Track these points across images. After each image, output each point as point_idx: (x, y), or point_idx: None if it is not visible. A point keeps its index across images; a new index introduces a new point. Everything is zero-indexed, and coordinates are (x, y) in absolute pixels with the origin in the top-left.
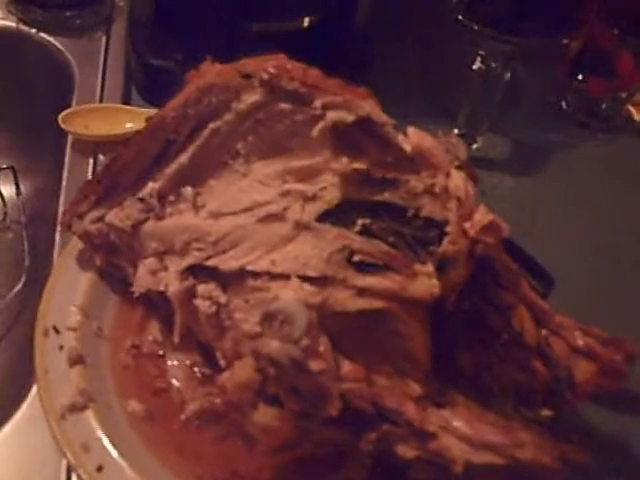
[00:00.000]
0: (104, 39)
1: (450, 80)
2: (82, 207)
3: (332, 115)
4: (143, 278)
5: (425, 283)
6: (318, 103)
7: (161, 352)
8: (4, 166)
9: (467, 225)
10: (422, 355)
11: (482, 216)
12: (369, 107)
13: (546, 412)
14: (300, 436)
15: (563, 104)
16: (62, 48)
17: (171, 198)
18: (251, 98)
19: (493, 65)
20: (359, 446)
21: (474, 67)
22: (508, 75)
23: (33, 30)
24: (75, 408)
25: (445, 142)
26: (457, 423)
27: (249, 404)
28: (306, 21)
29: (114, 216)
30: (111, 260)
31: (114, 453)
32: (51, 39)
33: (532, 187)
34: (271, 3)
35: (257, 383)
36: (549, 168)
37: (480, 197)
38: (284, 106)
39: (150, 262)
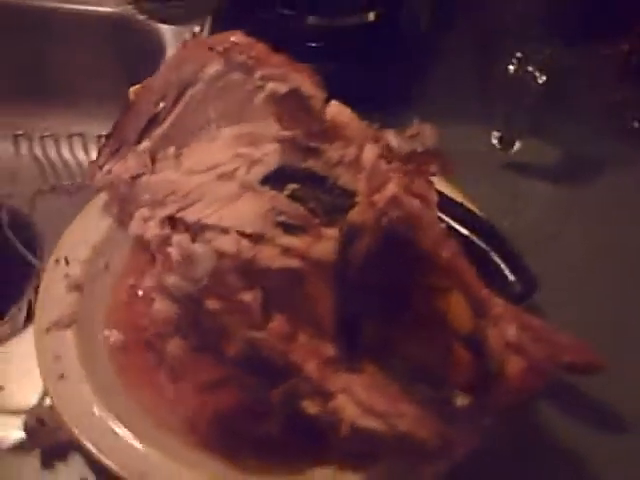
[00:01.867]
0: (207, 27)
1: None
2: (101, 160)
3: (270, 86)
4: (135, 224)
5: (327, 246)
6: (258, 74)
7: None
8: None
9: (376, 197)
10: (327, 318)
11: (389, 190)
12: (300, 80)
13: (461, 399)
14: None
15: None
16: (165, 34)
17: (159, 156)
18: (212, 68)
19: (530, 69)
20: (270, 397)
21: (510, 69)
22: (544, 79)
23: (141, 17)
24: (59, 325)
25: (414, 128)
26: (357, 388)
27: (167, 336)
28: (370, 16)
29: (118, 168)
30: (123, 209)
31: (78, 366)
32: (157, 26)
33: (566, 195)
34: None
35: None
36: (589, 177)
37: (511, 201)
38: (237, 76)
39: (142, 211)
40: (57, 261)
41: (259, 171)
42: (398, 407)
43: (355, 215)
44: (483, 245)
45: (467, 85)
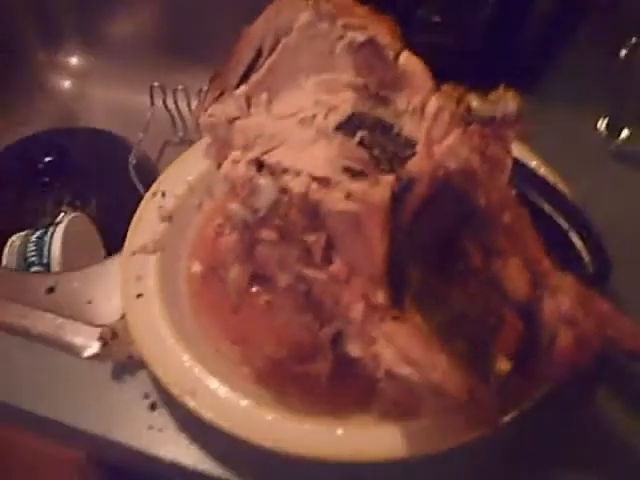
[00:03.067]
0: None
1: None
2: (205, 103)
3: (350, 34)
4: (226, 166)
5: (383, 191)
6: (340, 23)
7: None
8: (180, 87)
9: (435, 148)
10: (379, 265)
11: (448, 141)
12: (377, 30)
13: (503, 363)
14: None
15: None
16: None
17: (254, 101)
18: (304, 17)
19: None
20: (320, 336)
21: (621, 54)
22: None
23: None
24: (145, 249)
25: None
26: (399, 336)
27: (229, 264)
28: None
29: (218, 111)
30: (221, 151)
31: (155, 288)
32: None
33: None
34: None
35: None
36: None
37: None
38: (324, 25)
39: (234, 154)
40: (154, 194)
41: (334, 118)
42: (432, 357)
43: (413, 164)
44: (564, 224)
45: (577, 69)
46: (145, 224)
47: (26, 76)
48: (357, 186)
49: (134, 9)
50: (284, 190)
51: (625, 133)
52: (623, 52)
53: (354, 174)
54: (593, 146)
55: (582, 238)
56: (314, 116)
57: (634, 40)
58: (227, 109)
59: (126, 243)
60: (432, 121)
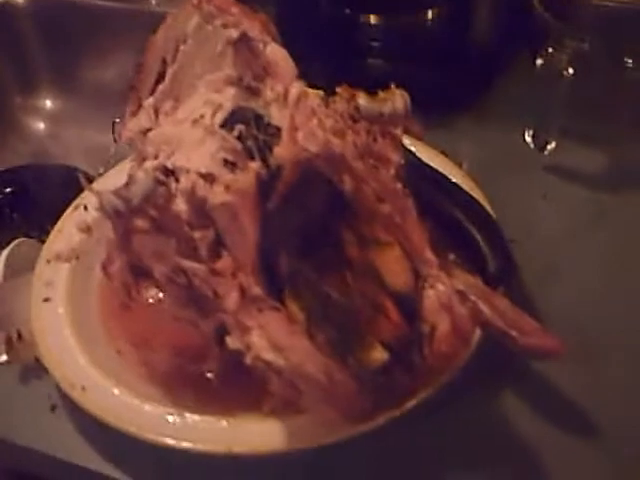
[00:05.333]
0: None
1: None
2: (125, 118)
3: (226, 32)
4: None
5: (248, 177)
6: (218, 22)
7: None
8: None
9: (298, 134)
10: (250, 250)
11: (308, 126)
12: (248, 25)
13: (378, 353)
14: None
15: None
16: None
17: (161, 110)
18: (193, 22)
19: (559, 64)
20: (204, 331)
21: (537, 63)
22: (570, 72)
23: None
24: (59, 257)
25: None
26: (271, 325)
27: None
28: (429, 14)
29: (132, 124)
30: (140, 163)
31: (62, 291)
32: None
33: (598, 200)
34: None
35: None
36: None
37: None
38: (209, 27)
39: (147, 164)
40: (77, 207)
41: (220, 115)
42: (295, 341)
43: (278, 150)
44: (470, 226)
45: (509, 83)
46: (64, 235)
47: (3, 118)
48: (231, 177)
49: (101, 56)
50: (160, 182)
51: (551, 146)
52: (539, 62)
53: (232, 166)
54: (520, 158)
55: (485, 239)
56: (202, 116)
57: (550, 50)
58: (140, 122)
59: (42, 252)
60: (294, 108)
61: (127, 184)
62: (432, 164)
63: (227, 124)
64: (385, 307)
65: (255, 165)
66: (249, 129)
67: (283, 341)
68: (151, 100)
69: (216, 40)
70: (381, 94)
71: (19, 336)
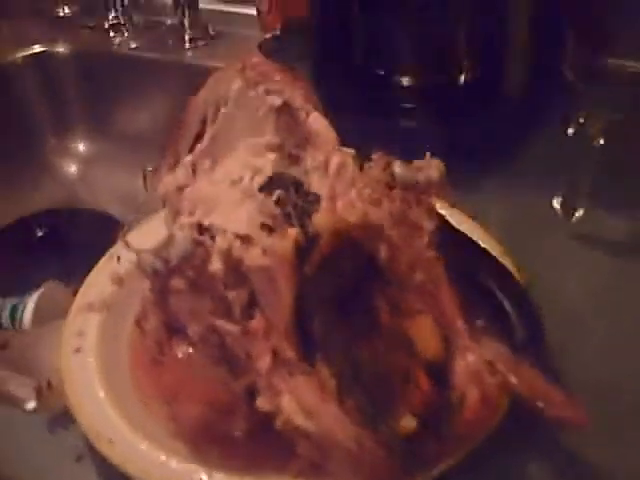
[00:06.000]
0: None
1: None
2: (162, 172)
3: (269, 99)
4: (175, 232)
5: (286, 243)
6: (261, 89)
7: None
8: None
9: (338, 203)
10: (285, 314)
11: (349, 195)
12: (291, 93)
13: (407, 422)
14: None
15: None
16: None
17: (199, 168)
18: (235, 86)
19: (590, 131)
20: (233, 387)
21: (569, 132)
22: (601, 142)
23: None
24: (91, 307)
25: (422, 161)
26: (302, 388)
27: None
28: (461, 78)
29: (168, 180)
30: (174, 218)
31: (93, 342)
32: None
33: (616, 272)
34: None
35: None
36: None
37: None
38: (252, 93)
39: (182, 220)
40: (110, 258)
41: (259, 179)
42: (325, 407)
43: (317, 218)
44: (499, 294)
45: (539, 149)
46: (96, 285)
47: (37, 160)
48: (269, 241)
49: (135, 104)
50: (199, 243)
51: (579, 213)
52: (570, 130)
53: (270, 230)
54: (548, 223)
55: (514, 306)
56: (241, 178)
57: (581, 120)
58: (177, 178)
59: (75, 301)
60: (335, 177)
61: (166, 244)
62: (462, 229)
63: (266, 188)
64: (415, 375)
65: (294, 231)
66: (288, 195)
67: (313, 406)
68: (190, 158)
69: (258, 105)
70: (416, 162)
71: (49, 385)
